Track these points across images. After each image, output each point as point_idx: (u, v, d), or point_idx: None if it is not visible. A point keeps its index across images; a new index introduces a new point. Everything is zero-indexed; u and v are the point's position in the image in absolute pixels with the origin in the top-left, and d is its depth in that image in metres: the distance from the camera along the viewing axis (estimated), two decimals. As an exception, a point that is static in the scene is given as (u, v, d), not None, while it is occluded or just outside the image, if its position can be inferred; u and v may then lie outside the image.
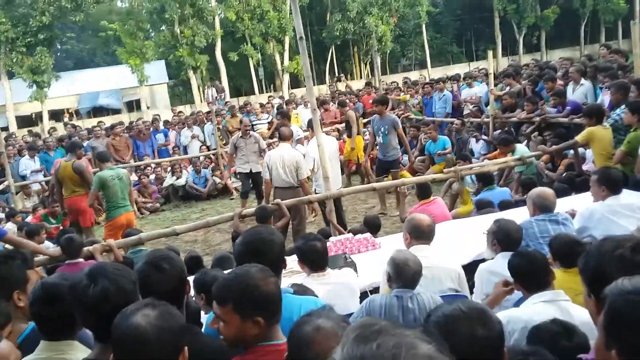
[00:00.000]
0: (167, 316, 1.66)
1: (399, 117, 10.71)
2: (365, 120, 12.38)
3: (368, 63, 34.70)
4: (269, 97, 17.39)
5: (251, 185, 9.25)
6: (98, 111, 32.82)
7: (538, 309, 2.62)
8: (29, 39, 24.65)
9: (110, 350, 1.87)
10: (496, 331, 1.54)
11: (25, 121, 29.31)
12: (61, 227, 7.93)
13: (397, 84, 16.91)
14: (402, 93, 13.98)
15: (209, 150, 12.80)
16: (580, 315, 2.51)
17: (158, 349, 1.60)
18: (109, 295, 1.91)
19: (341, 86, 17.45)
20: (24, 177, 11.10)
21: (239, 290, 1.90)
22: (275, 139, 10.72)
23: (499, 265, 3.40)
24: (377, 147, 8.40)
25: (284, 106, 14.13)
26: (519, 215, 4.32)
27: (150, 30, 32.76)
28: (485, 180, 6.61)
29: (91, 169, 8.01)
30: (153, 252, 2.38)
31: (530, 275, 2.78)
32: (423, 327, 1.62)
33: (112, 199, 6.78)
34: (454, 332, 1.52)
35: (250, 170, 8.95)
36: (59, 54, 39.34)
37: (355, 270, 3.97)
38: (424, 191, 5.95)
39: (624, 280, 1.28)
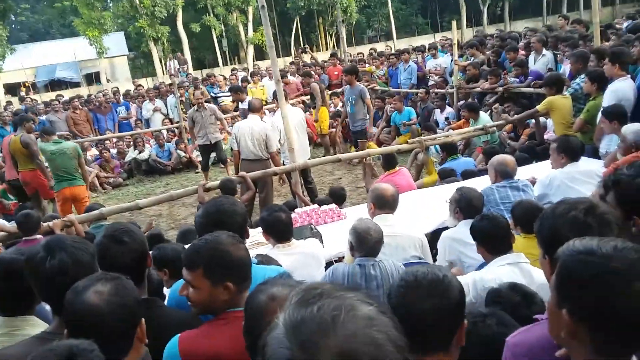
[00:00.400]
0: (121, 291, 1.62)
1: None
2: (330, 92, 12.32)
3: (334, 34, 34.47)
4: (233, 69, 17.06)
5: (213, 156, 9.47)
6: (56, 84, 31.80)
7: (504, 271, 2.69)
8: (-20, 11, 23.67)
9: None
10: (455, 299, 1.55)
11: (-21, 95, 28.21)
12: (20, 203, 7.72)
13: (363, 55, 16.82)
14: (367, 65, 13.92)
15: (172, 123, 12.56)
16: (540, 277, 2.59)
17: (114, 325, 1.57)
18: (65, 268, 1.87)
19: (306, 58, 17.24)
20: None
21: (208, 255, 1.90)
22: (238, 112, 10.61)
23: (461, 232, 3.47)
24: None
25: (249, 78, 13.92)
26: (481, 184, 4.39)
27: (108, 1, 31.70)
28: (449, 150, 6.68)
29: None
30: (112, 225, 2.33)
31: (494, 239, 2.86)
32: (388, 294, 1.63)
33: (55, 171, 7.00)
34: (406, 298, 1.54)
35: (210, 142, 9.07)
36: (13, 26, 37.84)
37: (321, 240, 3.99)
38: (389, 162, 5.97)
39: (575, 241, 1.31)
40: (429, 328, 1.49)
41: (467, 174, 5.71)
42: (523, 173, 4.74)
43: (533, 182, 4.44)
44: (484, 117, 7.47)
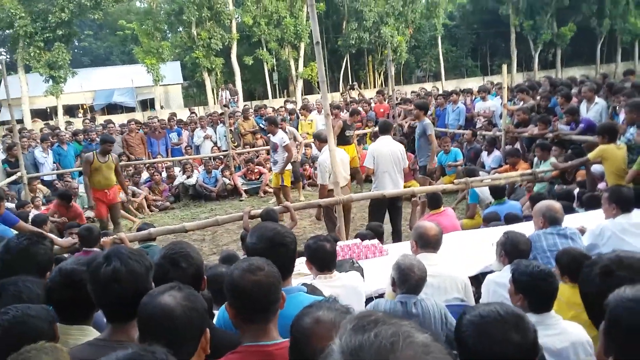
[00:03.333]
0: (193, 297, 1.74)
1: (409, 127, 10.80)
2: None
3: (382, 73, 34.81)
4: (286, 101, 17.45)
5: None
6: (112, 108, 33.13)
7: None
8: (47, 34, 24.98)
9: (121, 331, 1.95)
10: (530, 339, 1.55)
11: (40, 114, 29.64)
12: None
13: (416, 93, 16.93)
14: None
15: (219, 151, 12.86)
16: (576, 333, 2.51)
17: (185, 327, 1.66)
18: (119, 276, 1.97)
19: (354, 94, 17.49)
20: (37, 168, 11.18)
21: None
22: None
23: (506, 277, 3.39)
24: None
25: (297, 111, 14.17)
26: (526, 229, 4.31)
27: (168, 31, 33.10)
28: (496, 193, 6.57)
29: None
30: (172, 247, 2.36)
31: (544, 296, 2.66)
32: (457, 329, 1.64)
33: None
34: (488, 333, 1.55)
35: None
36: (76, 51, 39.84)
37: (362, 275, 3.99)
38: (434, 201, 5.91)
39: (626, 289, 1.31)
40: None
41: (511, 219, 5.59)
42: (571, 221, 4.64)
43: (582, 231, 4.34)
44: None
